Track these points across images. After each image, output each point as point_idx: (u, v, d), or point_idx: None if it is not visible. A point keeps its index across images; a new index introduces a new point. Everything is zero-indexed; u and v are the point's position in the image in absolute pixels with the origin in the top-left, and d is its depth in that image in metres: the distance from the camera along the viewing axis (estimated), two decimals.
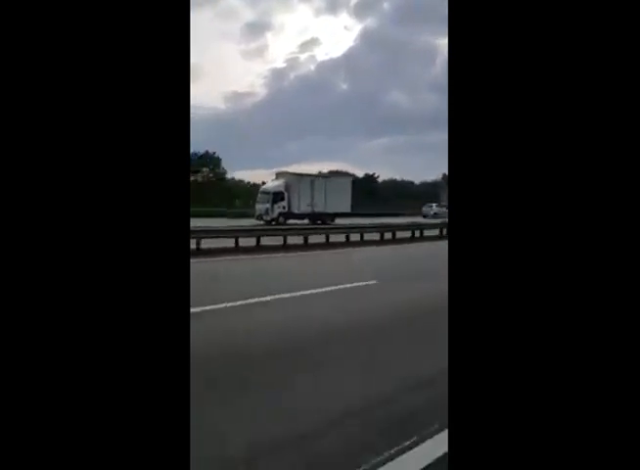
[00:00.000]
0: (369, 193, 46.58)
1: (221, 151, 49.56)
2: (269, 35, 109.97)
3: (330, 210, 24.89)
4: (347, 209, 25.92)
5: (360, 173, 52.09)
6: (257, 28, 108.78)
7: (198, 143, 40.44)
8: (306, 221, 23.61)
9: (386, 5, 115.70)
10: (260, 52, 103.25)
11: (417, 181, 56.64)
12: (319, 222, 23.32)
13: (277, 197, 23.85)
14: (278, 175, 26.23)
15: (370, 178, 56.38)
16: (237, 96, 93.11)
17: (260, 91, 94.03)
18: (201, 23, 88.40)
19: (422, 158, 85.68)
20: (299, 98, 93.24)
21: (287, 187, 24.28)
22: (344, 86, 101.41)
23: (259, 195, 24.76)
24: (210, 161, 43.19)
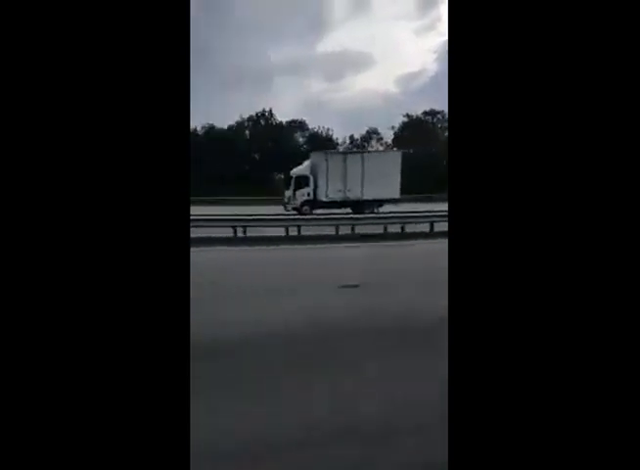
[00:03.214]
0: None
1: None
2: (442, 6, 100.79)
3: (369, 196, 19.15)
4: (395, 194, 19.77)
5: None
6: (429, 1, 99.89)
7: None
8: (348, 210, 18.47)
9: None
10: (433, 25, 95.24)
11: None
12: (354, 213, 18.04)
13: (300, 181, 19.25)
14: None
15: None
16: (409, 76, 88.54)
17: (432, 67, 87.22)
18: (372, 7, 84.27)
19: None
20: None
21: (313, 169, 19.52)
22: None
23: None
24: None
